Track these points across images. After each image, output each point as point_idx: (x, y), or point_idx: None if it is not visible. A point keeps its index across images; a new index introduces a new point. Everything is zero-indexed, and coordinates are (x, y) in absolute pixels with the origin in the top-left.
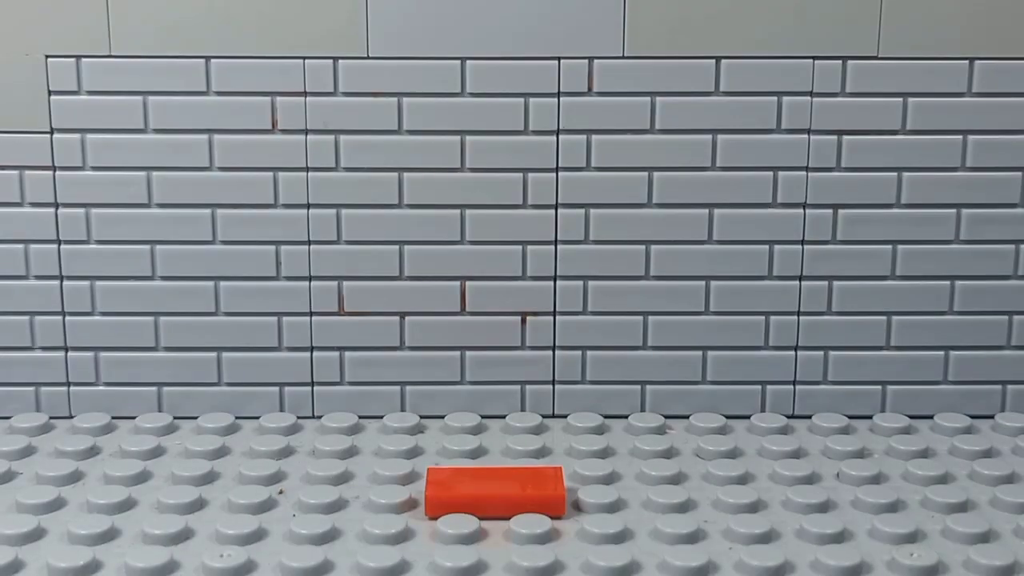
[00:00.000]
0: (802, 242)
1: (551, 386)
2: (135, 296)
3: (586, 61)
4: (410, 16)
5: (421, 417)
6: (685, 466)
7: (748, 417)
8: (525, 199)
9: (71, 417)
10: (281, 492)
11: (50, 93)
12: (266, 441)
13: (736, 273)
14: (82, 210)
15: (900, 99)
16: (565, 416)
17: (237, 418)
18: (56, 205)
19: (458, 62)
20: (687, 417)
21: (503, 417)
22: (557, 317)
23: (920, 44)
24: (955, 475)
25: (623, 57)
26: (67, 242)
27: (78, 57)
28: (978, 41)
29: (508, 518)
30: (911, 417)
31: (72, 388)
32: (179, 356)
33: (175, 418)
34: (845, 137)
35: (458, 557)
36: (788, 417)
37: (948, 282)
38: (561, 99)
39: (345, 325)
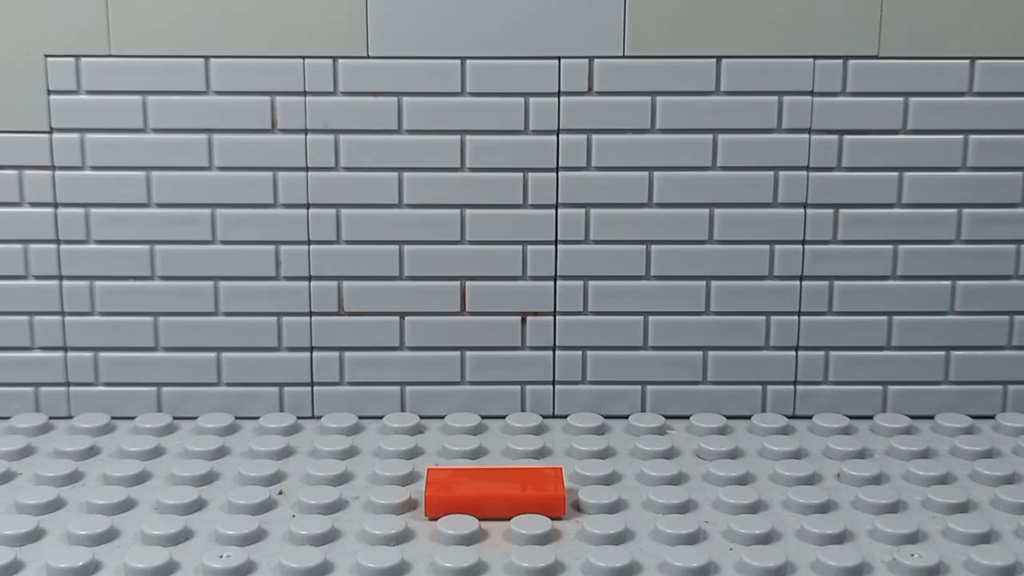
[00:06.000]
0: (803, 242)
1: (551, 386)
2: (134, 296)
3: (586, 61)
4: (410, 16)
5: (421, 417)
6: (685, 466)
7: (749, 417)
8: (525, 199)
9: (70, 417)
10: (281, 493)
11: (49, 92)
12: (266, 441)
13: (737, 273)
14: (81, 210)
15: (901, 99)
16: (565, 416)
17: (237, 418)
18: (55, 205)
19: (458, 62)
20: (687, 417)
21: (503, 417)
22: (557, 317)
23: (921, 44)
24: (956, 475)
25: (623, 57)
26: (66, 242)
27: (77, 56)
28: (979, 41)
29: (508, 519)
30: (912, 417)
31: (71, 388)
32: (179, 356)
33: (175, 418)
34: (846, 137)
35: (458, 558)
36: (789, 417)
37: (949, 282)
38: (561, 99)
39: (345, 325)
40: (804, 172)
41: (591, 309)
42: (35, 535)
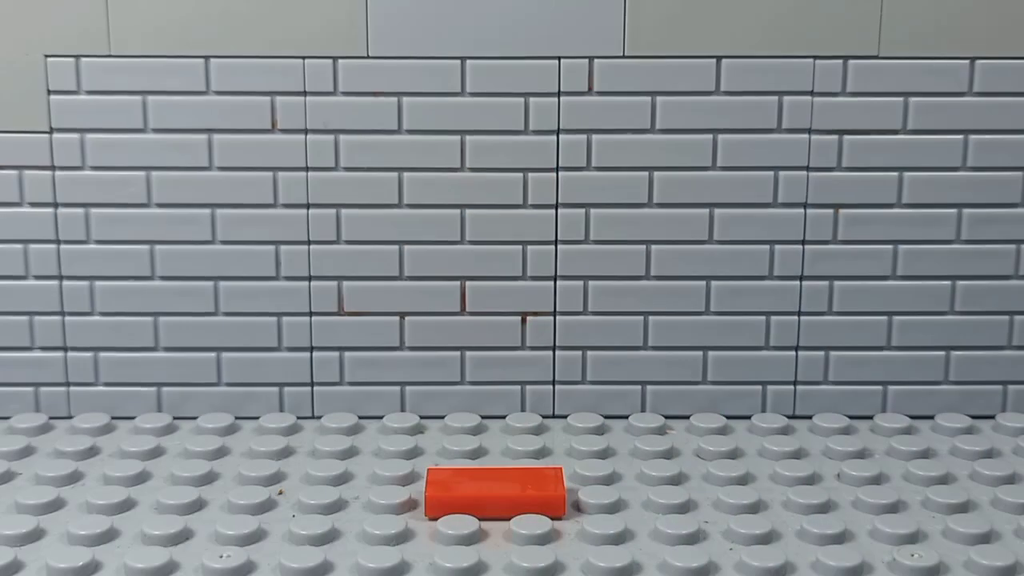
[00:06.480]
0: (803, 242)
1: (551, 386)
2: (134, 296)
3: (586, 61)
4: (410, 16)
5: (421, 417)
6: (685, 466)
7: (749, 417)
8: (525, 199)
9: (70, 417)
10: (281, 493)
11: (49, 93)
12: (266, 441)
13: (736, 273)
14: (81, 210)
15: (901, 99)
16: (565, 416)
17: (237, 418)
18: (55, 205)
19: (458, 62)
20: (687, 417)
21: (503, 417)
22: (557, 317)
23: (921, 44)
24: (956, 475)
25: (623, 57)
26: (66, 242)
27: (77, 57)
28: (979, 41)
29: (508, 519)
30: (912, 417)
31: (71, 388)
32: (178, 356)
33: (175, 418)
34: (846, 137)
35: (458, 558)
36: (789, 417)
37: (949, 282)
38: (561, 99)
39: (345, 325)
40: (804, 172)
41: (591, 309)
42: (35, 535)
